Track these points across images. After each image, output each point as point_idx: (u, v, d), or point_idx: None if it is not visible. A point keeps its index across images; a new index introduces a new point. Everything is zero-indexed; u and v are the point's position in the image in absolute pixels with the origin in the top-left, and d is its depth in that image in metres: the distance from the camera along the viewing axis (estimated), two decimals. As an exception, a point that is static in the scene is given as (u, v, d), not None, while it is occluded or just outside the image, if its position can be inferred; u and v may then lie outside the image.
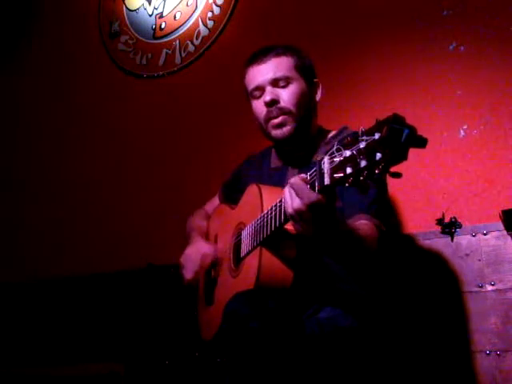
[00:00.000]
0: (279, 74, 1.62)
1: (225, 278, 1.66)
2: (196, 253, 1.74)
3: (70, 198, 3.07)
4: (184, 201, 2.13)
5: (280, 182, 1.64)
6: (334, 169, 1.09)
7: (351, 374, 1.42)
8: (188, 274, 1.75)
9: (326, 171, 1.12)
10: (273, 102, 1.61)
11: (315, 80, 1.71)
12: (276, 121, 1.62)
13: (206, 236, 1.90)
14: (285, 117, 1.61)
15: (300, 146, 1.67)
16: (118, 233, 2.81)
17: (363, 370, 1.45)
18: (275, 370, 1.28)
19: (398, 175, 1.01)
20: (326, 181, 1.12)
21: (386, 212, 1.58)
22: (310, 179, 1.20)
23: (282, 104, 1.61)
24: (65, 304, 2.84)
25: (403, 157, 0.97)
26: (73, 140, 3.16)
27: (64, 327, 2.81)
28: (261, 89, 1.65)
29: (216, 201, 2.02)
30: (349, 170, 1.05)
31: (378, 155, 0.97)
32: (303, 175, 1.22)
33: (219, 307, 1.52)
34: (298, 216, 1.22)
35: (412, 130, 0.96)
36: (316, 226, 1.23)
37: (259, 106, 1.66)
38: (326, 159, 1.12)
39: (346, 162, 1.06)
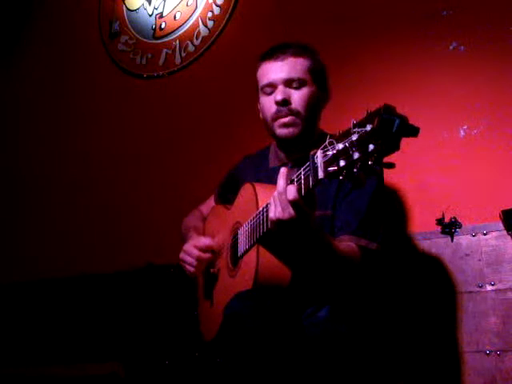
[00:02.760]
0: (294, 75, 1.61)
1: (223, 278, 1.66)
2: (194, 247, 1.72)
3: (70, 198, 3.06)
4: (184, 201, 2.13)
5: None
6: (328, 162, 1.09)
7: (350, 374, 1.42)
8: (190, 268, 1.73)
9: (319, 165, 1.12)
10: (284, 102, 1.60)
11: (327, 86, 1.70)
12: (284, 120, 1.61)
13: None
14: (293, 117, 1.61)
15: (301, 148, 1.66)
16: (118, 233, 2.81)
17: (362, 370, 1.45)
18: (275, 370, 1.28)
19: (391, 166, 1.02)
20: (320, 174, 1.13)
21: (381, 225, 1.55)
22: (298, 179, 1.24)
23: (293, 105, 1.61)
24: (64, 304, 2.83)
25: (396, 147, 0.97)
26: (73, 140, 3.16)
27: (64, 327, 2.80)
28: (273, 86, 1.64)
29: (211, 202, 2.00)
30: (342, 163, 1.05)
31: (371, 146, 0.98)
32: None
33: (219, 307, 1.52)
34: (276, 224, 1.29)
35: (403, 119, 0.97)
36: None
37: (268, 103, 1.65)
38: (319, 153, 1.13)
39: (339, 154, 1.06)
